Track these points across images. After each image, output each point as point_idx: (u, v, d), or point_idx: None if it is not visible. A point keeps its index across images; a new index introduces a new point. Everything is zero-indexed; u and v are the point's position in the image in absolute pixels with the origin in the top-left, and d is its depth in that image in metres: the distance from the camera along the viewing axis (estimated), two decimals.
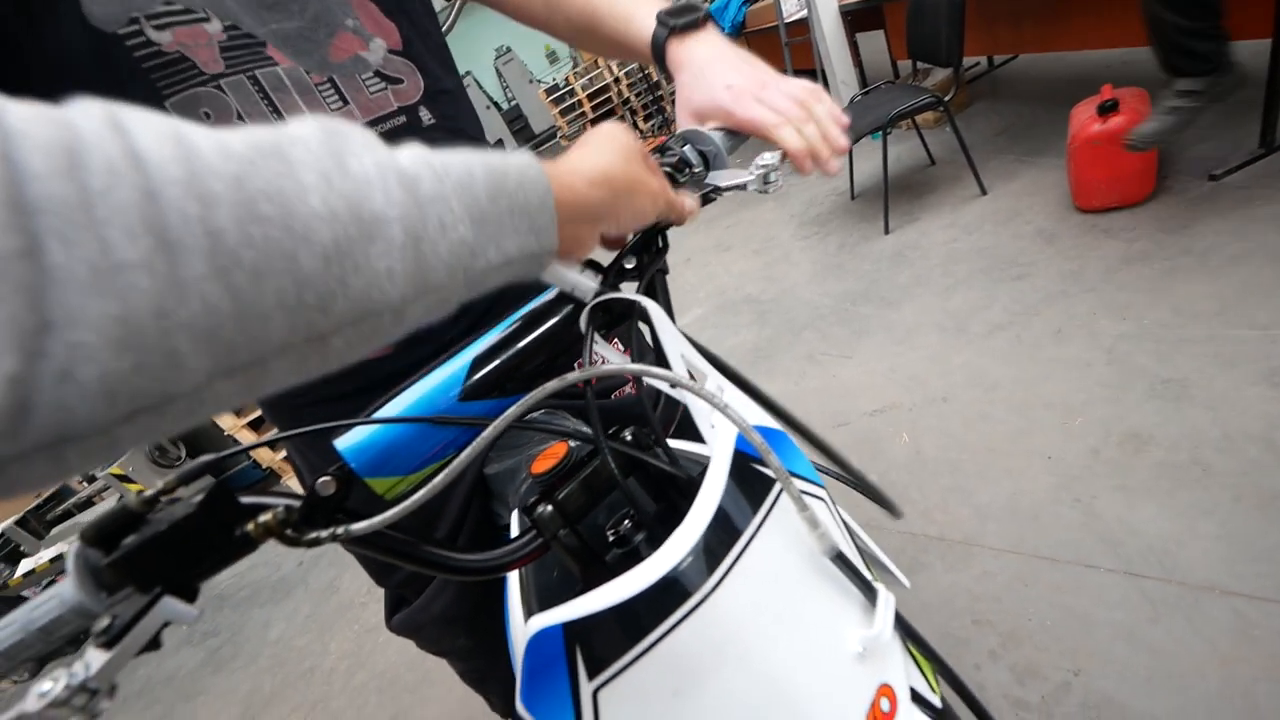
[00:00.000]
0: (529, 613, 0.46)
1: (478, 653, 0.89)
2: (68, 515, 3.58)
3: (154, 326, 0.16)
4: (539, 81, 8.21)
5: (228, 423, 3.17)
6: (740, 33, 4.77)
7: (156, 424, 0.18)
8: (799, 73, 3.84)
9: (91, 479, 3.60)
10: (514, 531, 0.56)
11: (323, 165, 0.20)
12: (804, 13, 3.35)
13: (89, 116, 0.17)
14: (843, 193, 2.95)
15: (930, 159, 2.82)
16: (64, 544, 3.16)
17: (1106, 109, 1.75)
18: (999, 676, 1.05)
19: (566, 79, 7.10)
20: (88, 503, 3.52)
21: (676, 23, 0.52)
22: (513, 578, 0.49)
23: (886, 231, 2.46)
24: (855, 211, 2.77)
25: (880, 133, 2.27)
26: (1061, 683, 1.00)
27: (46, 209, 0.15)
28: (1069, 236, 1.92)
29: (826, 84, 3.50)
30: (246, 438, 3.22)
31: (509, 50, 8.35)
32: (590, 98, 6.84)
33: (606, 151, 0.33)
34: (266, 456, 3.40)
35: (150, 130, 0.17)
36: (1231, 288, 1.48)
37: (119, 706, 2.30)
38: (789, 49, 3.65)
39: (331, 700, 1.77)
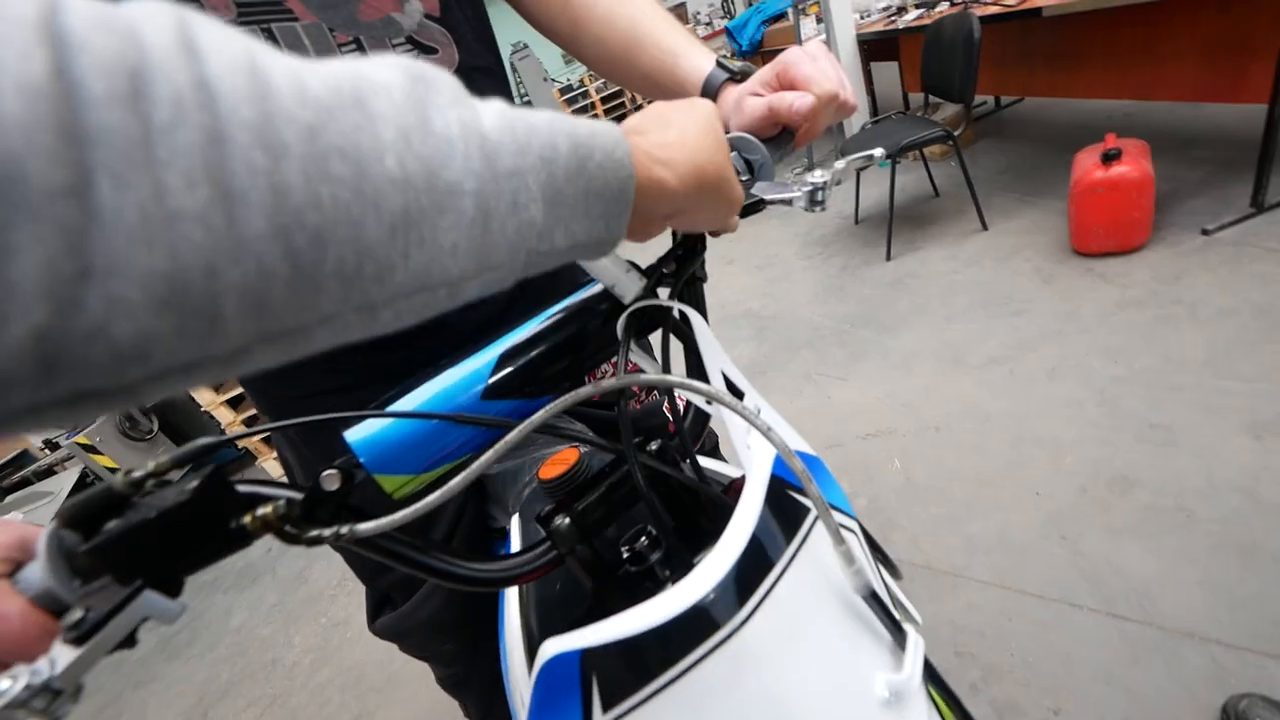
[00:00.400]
0: (527, 626, 0.43)
1: (461, 658, 0.86)
2: (26, 483, 3.45)
3: (202, 286, 0.15)
4: (554, 80, 8.21)
5: (205, 398, 3.08)
6: (758, 51, 4.81)
7: (183, 383, 0.17)
8: None
9: (55, 446, 3.48)
10: (514, 537, 0.53)
11: (404, 121, 0.18)
12: (822, 37, 3.39)
13: (158, 30, 0.15)
14: (847, 217, 2.98)
15: (935, 191, 2.85)
16: (18, 512, 3.04)
17: (1109, 157, 1.78)
18: (980, 710, 1.04)
19: (581, 80, 7.13)
20: (48, 471, 3.40)
21: (735, 71, 0.51)
22: (509, 589, 0.47)
23: (888, 258, 2.48)
24: (859, 236, 2.79)
25: (889, 161, 2.30)
26: None
27: (101, 141, 0.13)
28: (1066, 278, 1.95)
29: None
30: (224, 415, 3.13)
31: (526, 47, 8.33)
32: (604, 100, 6.90)
33: (705, 141, 0.29)
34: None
35: (225, 56, 0.15)
36: (1219, 340, 1.51)
37: None
38: None
39: (292, 696, 1.71)
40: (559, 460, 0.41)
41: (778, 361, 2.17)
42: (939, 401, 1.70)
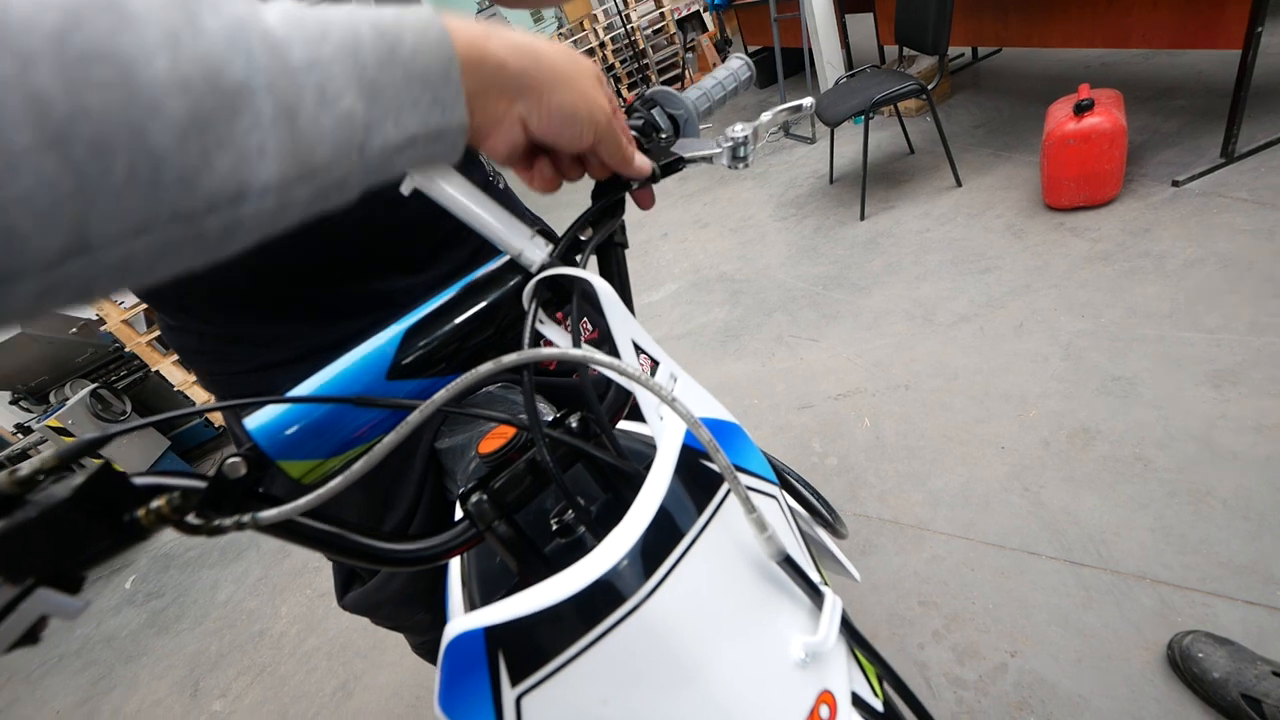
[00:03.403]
0: (469, 597, 0.44)
1: (435, 626, 0.87)
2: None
3: None
4: None
5: (178, 378, 3.04)
6: (730, 5, 4.64)
7: (5, 302, 0.17)
8: (786, 51, 3.76)
9: (27, 430, 3.41)
10: (459, 514, 0.53)
11: (169, 21, 0.17)
12: None
13: None
14: (822, 176, 2.94)
15: (910, 147, 2.81)
16: None
17: (1082, 108, 1.76)
18: (941, 656, 1.09)
19: (551, 40, 6.85)
20: (22, 456, 3.34)
21: None
22: (453, 561, 0.47)
23: (862, 217, 2.46)
24: (833, 196, 2.76)
25: (862, 117, 2.25)
26: (999, 663, 1.05)
27: None
28: (1037, 233, 1.95)
29: (813, 63, 3.45)
30: (199, 395, 3.09)
31: (491, 5, 7.97)
32: None
33: (545, 41, 0.29)
34: (220, 416, 3.29)
35: None
36: (1184, 291, 1.53)
37: (54, 667, 2.23)
38: (778, 25, 3.56)
39: (281, 664, 1.75)
40: (498, 434, 0.40)
41: (751, 325, 2.17)
42: (909, 360, 1.71)
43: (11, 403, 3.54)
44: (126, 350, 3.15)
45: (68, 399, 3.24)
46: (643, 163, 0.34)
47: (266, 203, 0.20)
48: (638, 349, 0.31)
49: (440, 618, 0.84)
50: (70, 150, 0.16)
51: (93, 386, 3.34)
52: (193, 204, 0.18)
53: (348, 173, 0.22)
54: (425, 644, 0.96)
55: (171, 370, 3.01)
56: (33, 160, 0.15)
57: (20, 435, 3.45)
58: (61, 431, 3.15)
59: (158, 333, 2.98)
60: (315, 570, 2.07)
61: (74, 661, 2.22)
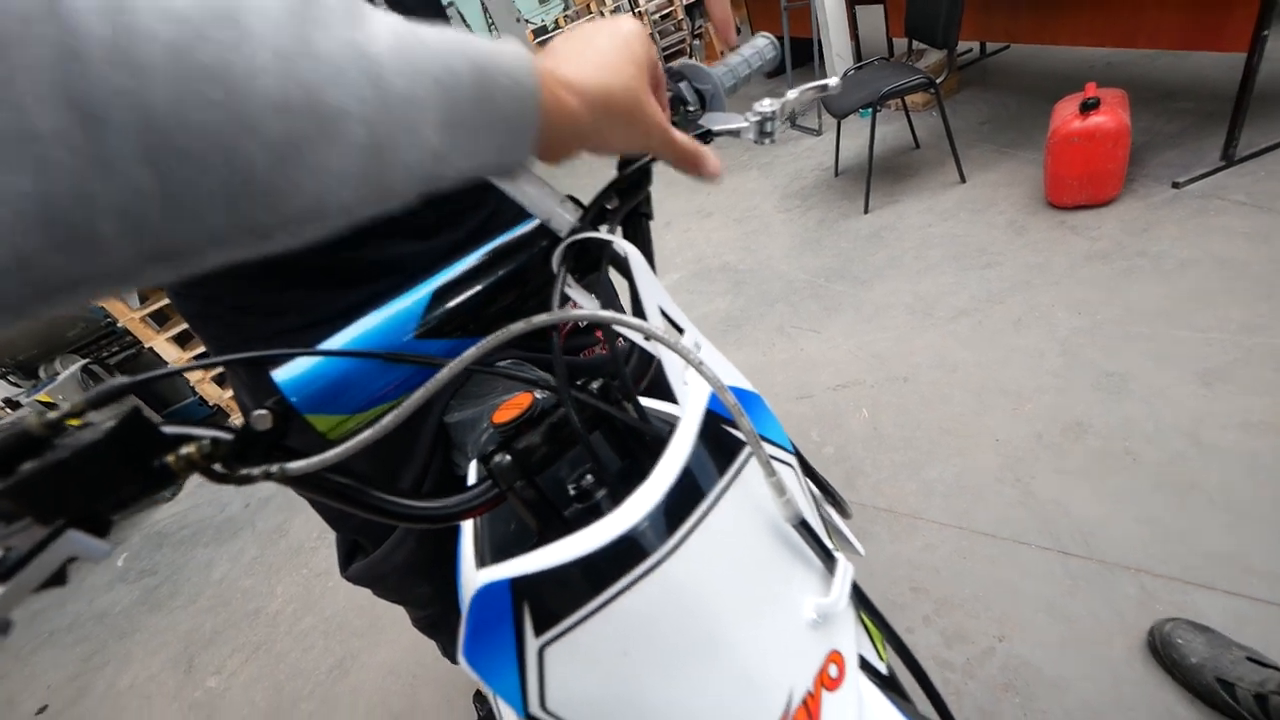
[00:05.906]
0: (482, 564, 0.44)
1: (437, 599, 0.88)
2: None
3: (73, 207, 0.15)
4: (527, 21, 7.80)
5: (171, 355, 3.01)
6: None
7: (76, 298, 0.17)
8: (795, 41, 3.73)
9: (16, 405, 3.38)
10: (470, 481, 0.54)
11: (282, 42, 0.17)
12: None
13: None
14: (827, 169, 2.93)
15: (916, 142, 2.81)
16: None
17: (1088, 107, 1.77)
18: (930, 640, 1.11)
19: (556, 21, 6.79)
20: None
21: None
22: (466, 527, 0.48)
23: (866, 211, 2.46)
24: (838, 188, 2.76)
25: (870, 109, 2.25)
26: (986, 647, 1.07)
27: None
28: (1038, 230, 1.96)
29: (822, 54, 3.43)
30: (196, 372, 3.07)
31: None
32: None
33: (614, 63, 0.28)
34: (214, 393, 3.27)
35: None
36: (1179, 291, 1.55)
37: (45, 642, 2.23)
38: (787, 13, 3.54)
39: (276, 643, 1.75)
40: (513, 405, 0.40)
41: (753, 315, 2.17)
42: (908, 353, 1.73)
43: (0, 377, 3.50)
44: (119, 325, 3.12)
45: (58, 374, 3.21)
46: (716, 164, 0.33)
47: (333, 219, 0.20)
48: (664, 315, 0.31)
49: (441, 591, 0.85)
50: (166, 164, 0.16)
51: (84, 362, 3.30)
52: (270, 221, 0.19)
53: (410, 195, 0.22)
54: (427, 617, 0.96)
55: (165, 347, 2.99)
56: (130, 170, 0.15)
57: (9, 410, 3.42)
58: (51, 406, 3.12)
59: (151, 309, 2.95)
60: (311, 550, 2.07)
61: (65, 637, 2.22)
